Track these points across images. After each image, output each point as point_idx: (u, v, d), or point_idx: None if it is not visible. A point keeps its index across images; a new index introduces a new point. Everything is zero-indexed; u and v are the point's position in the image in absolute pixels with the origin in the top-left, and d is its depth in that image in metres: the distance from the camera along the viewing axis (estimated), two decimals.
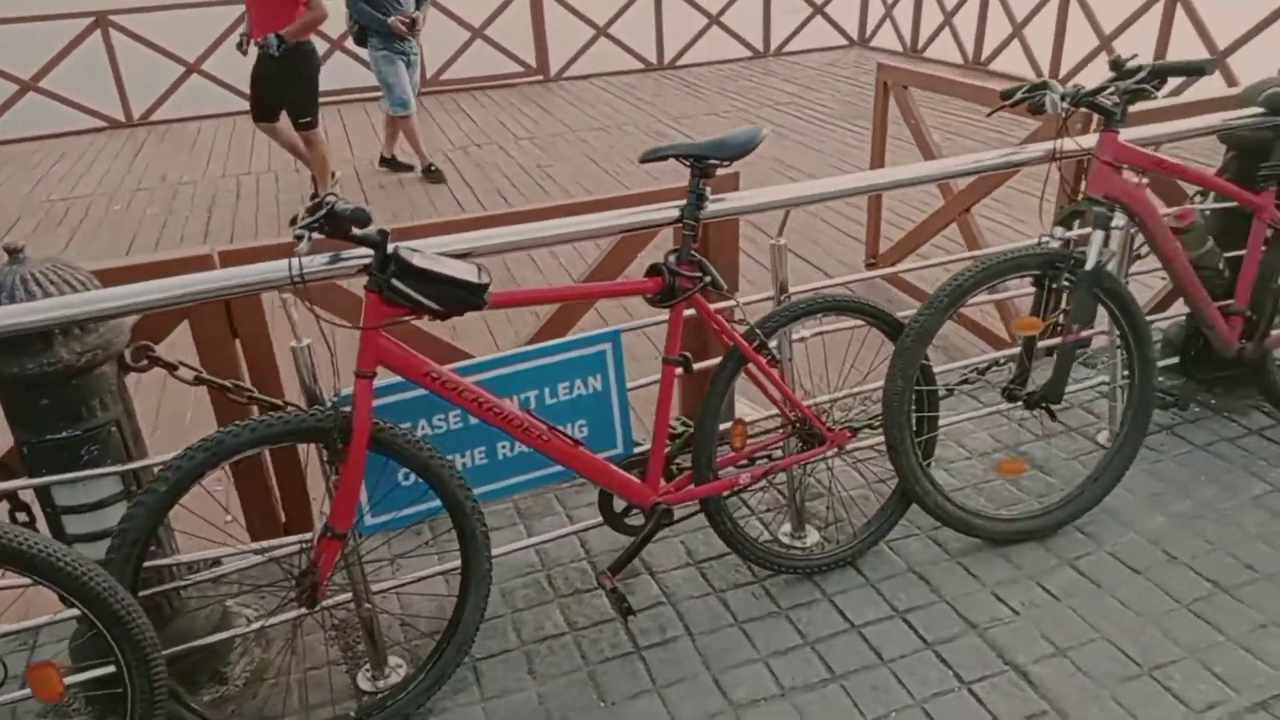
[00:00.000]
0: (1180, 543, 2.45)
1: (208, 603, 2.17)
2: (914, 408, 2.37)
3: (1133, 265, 2.80)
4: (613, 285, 2.16)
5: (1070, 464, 2.82)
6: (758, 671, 2.12)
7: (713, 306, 2.12)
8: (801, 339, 2.53)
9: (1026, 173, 3.29)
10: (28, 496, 1.93)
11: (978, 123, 7.22)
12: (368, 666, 2.13)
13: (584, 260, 4.54)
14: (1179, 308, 3.12)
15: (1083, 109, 2.34)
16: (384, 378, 1.87)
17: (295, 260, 1.75)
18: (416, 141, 7.00)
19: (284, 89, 5.92)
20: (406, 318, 1.81)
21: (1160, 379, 3.15)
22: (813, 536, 2.55)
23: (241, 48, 6.22)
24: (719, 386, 2.18)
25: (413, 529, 2.43)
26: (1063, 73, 8.81)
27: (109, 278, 1.86)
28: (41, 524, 1.91)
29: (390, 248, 1.76)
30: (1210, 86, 6.09)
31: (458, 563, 2.01)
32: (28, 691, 1.78)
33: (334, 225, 1.66)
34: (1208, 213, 2.66)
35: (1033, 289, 2.38)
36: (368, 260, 1.76)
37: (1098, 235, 2.30)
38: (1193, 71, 2.23)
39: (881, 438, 2.33)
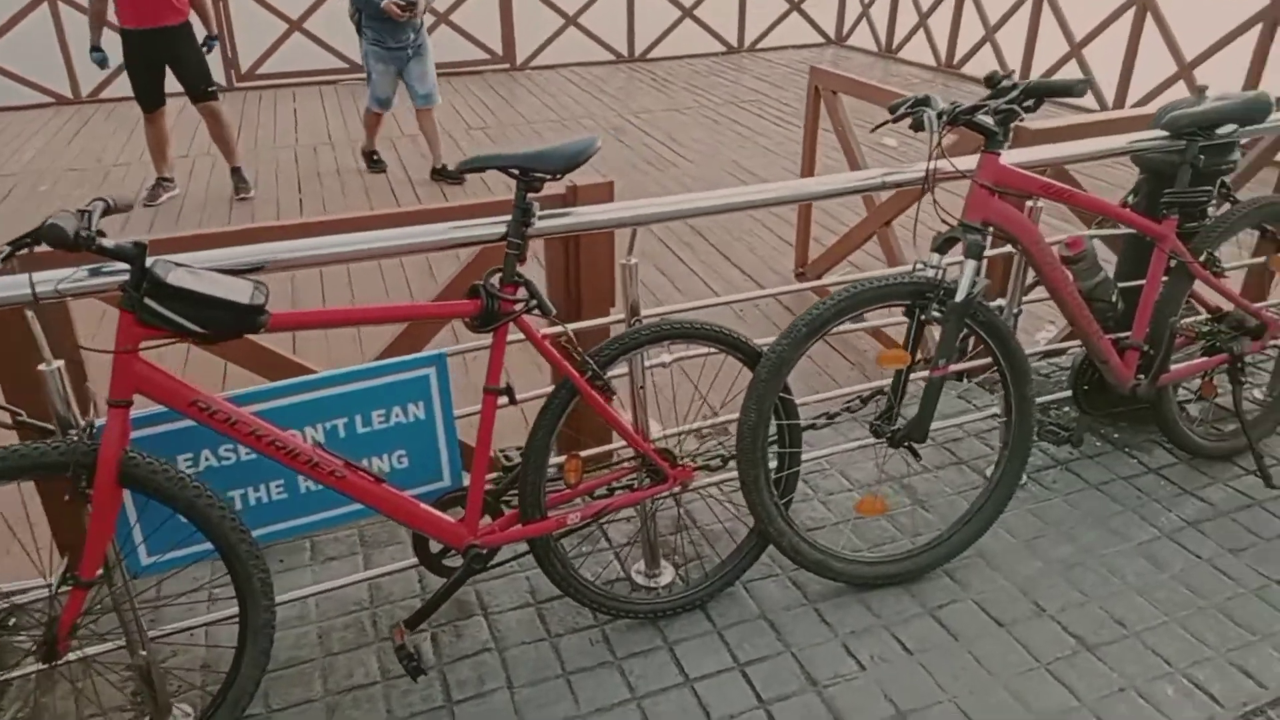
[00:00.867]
0: (1052, 593, 2.30)
1: None
2: (778, 441, 2.23)
3: (1029, 294, 2.66)
4: (424, 307, 1.99)
5: (955, 500, 2.67)
6: None
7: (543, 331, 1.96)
8: (662, 364, 2.38)
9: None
10: None
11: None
12: (148, 717, 1.96)
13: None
14: None
15: (962, 127, 2.18)
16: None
17: (32, 276, 1.58)
18: (373, 132, 6.80)
19: None
20: (169, 341, 1.64)
21: (1065, 410, 3.02)
22: (667, 575, 2.40)
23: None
24: (547, 420, 2.02)
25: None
26: (1033, 78, 8.64)
27: None
28: None
29: (150, 262, 1.59)
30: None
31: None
32: None
33: (55, 239, 1.48)
34: (1100, 240, 2.50)
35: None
36: (126, 276, 1.59)
37: (970, 265, 2.14)
38: (1064, 92, 2.07)
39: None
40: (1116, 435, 2.94)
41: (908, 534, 2.54)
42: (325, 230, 1.86)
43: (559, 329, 2.00)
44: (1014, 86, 2.09)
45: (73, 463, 1.60)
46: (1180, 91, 7.35)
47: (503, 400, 1.95)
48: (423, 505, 1.93)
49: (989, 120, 2.13)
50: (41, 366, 1.68)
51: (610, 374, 2.17)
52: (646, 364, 2.24)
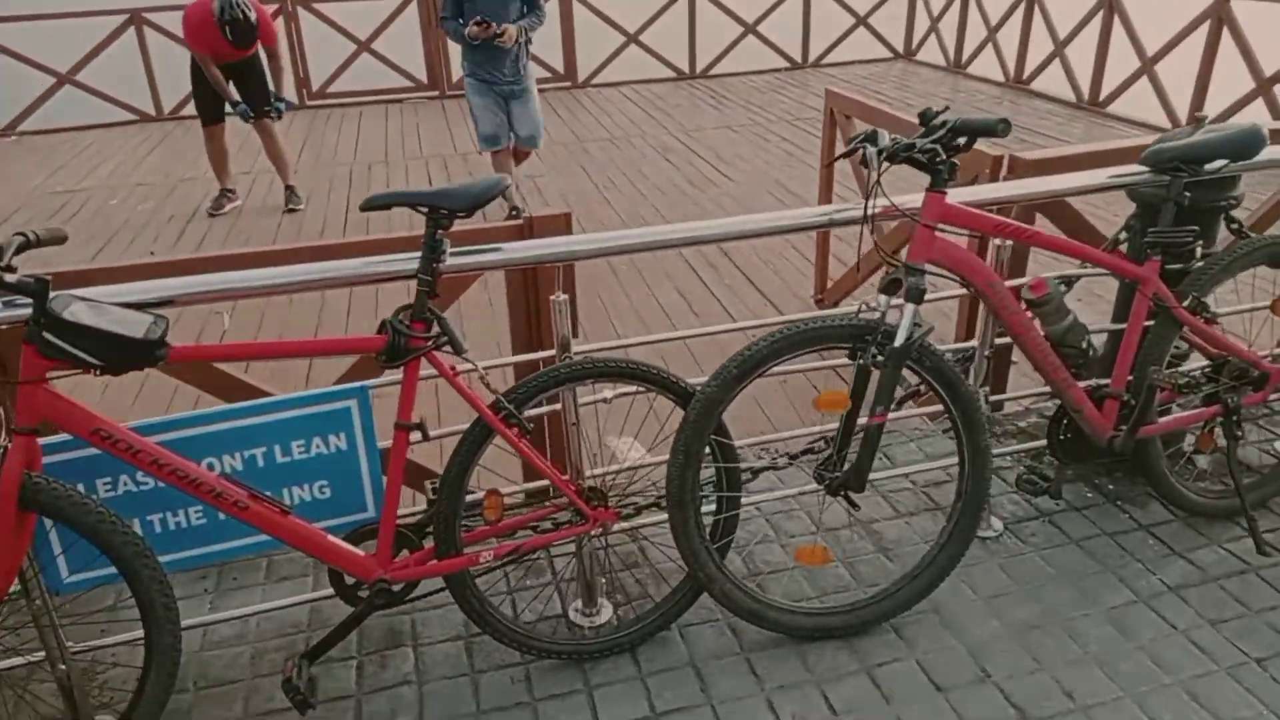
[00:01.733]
0: (1003, 658, 2.16)
1: None
2: (715, 484, 2.17)
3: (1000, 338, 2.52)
4: (328, 342, 2.01)
5: (922, 550, 2.54)
6: None
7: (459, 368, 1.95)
8: (605, 400, 2.35)
9: None
10: None
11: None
12: None
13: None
14: None
15: (903, 163, 2.08)
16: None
17: None
18: (504, 165, 6.20)
19: None
20: (73, 372, 1.70)
21: (1048, 459, 2.85)
22: (605, 613, 2.35)
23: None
24: (461, 457, 2.00)
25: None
26: (1103, 95, 8.28)
27: None
28: None
29: (53, 296, 1.65)
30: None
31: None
32: None
33: None
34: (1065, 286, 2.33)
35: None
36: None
37: (909, 309, 2.04)
38: (986, 132, 1.95)
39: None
40: (1111, 486, 2.76)
41: (865, 583, 2.43)
42: (237, 265, 1.90)
43: (470, 366, 1.99)
44: (943, 125, 1.99)
45: None
46: (1259, 111, 6.92)
47: (415, 436, 1.95)
48: (330, 538, 1.94)
49: (923, 158, 2.03)
50: None
51: (539, 410, 2.15)
52: (579, 401, 2.21)
